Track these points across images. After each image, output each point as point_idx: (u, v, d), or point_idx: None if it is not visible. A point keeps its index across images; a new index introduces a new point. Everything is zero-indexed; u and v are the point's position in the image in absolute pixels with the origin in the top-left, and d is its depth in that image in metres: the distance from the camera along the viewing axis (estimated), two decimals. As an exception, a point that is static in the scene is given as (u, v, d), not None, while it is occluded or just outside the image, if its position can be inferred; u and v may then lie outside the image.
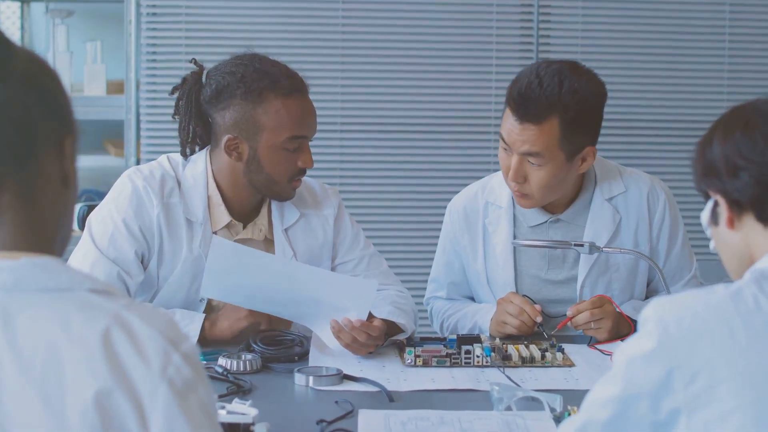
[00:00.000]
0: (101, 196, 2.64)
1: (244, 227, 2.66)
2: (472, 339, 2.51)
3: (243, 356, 2.40)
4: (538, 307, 2.63)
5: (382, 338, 2.49)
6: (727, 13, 4.42)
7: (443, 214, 2.92)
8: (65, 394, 1.16)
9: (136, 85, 4.28)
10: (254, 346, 2.46)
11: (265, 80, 2.54)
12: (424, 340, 2.54)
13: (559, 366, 2.46)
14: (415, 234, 4.35)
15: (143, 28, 4.25)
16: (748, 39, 4.44)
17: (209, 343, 2.49)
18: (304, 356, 2.47)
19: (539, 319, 2.62)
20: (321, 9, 4.31)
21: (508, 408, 2.12)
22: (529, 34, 4.36)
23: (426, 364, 2.44)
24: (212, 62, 2.65)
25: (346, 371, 2.35)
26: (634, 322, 2.35)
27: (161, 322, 1.23)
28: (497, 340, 2.56)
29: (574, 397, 2.06)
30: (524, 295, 2.71)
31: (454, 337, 2.51)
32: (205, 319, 2.53)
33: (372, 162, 4.36)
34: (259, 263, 2.45)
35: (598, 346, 2.61)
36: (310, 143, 2.65)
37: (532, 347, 2.51)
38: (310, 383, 2.30)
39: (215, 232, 2.61)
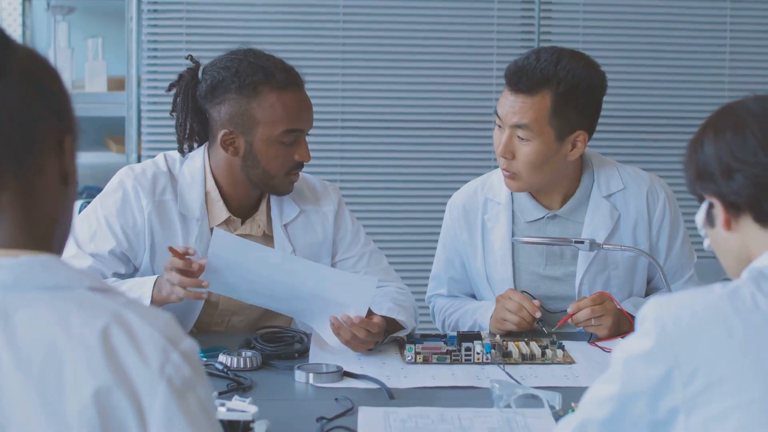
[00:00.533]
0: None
1: (243, 223, 2.66)
2: (473, 336, 2.51)
3: (243, 353, 2.40)
4: (536, 302, 2.63)
5: (382, 335, 2.49)
6: (728, 9, 4.42)
7: (444, 211, 2.92)
8: (64, 392, 1.16)
9: (137, 82, 4.28)
10: (254, 343, 2.47)
11: (259, 74, 2.54)
12: (425, 337, 2.53)
13: (559, 363, 2.46)
14: (416, 231, 4.35)
15: (144, 24, 4.25)
16: (750, 34, 4.44)
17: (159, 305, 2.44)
18: (304, 353, 2.48)
19: (538, 315, 2.62)
20: (321, 4, 4.31)
21: (508, 405, 2.12)
22: (531, 30, 4.35)
23: (426, 361, 2.44)
24: (212, 58, 2.65)
25: (346, 368, 2.35)
26: (635, 318, 2.35)
27: (160, 320, 1.23)
28: (498, 337, 2.57)
29: (574, 395, 2.05)
30: (523, 291, 2.71)
31: (455, 334, 2.51)
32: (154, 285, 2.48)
33: (372, 158, 4.36)
34: (259, 257, 2.45)
35: (599, 343, 2.60)
36: (311, 138, 2.65)
37: (533, 344, 2.51)
38: (311, 380, 2.30)
39: (213, 228, 2.62)
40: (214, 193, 2.64)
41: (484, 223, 2.82)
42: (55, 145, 1.28)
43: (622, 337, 2.57)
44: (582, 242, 2.64)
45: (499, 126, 2.68)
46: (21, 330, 1.18)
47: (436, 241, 2.94)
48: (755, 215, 1.57)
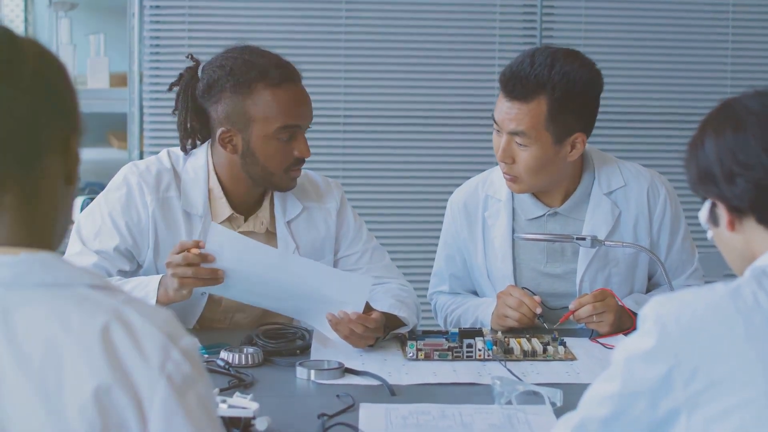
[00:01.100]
0: (103, 188, 2.67)
1: (246, 220, 2.67)
2: (474, 332, 2.51)
3: (245, 350, 2.40)
4: (537, 298, 2.63)
5: (381, 330, 2.48)
6: (730, 5, 4.41)
7: (445, 208, 2.91)
8: (64, 390, 1.16)
9: (139, 78, 4.28)
10: (256, 339, 2.47)
11: (253, 72, 2.54)
12: (426, 334, 2.54)
13: (560, 360, 2.46)
14: (418, 227, 4.35)
15: (146, 20, 4.25)
16: (752, 30, 4.43)
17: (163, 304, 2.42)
18: (305, 350, 2.48)
19: (539, 311, 2.62)
20: (324, 1, 4.31)
21: (509, 402, 2.12)
22: (533, 27, 4.35)
23: (428, 357, 2.44)
24: (213, 55, 2.65)
25: (347, 365, 2.35)
26: (636, 315, 2.35)
27: (160, 318, 1.23)
28: (499, 334, 2.57)
29: (575, 391, 2.05)
30: (524, 288, 2.71)
31: (456, 330, 2.51)
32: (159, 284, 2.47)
33: (374, 155, 4.36)
34: (255, 253, 2.45)
35: (600, 340, 2.60)
36: (312, 135, 2.65)
37: (534, 341, 2.51)
38: (312, 377, 2.31)
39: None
40: (217, 190, 2.64)
41: (485, 220, 2.82)
42: (61, 146, 1.28)
43: (624, 334, 2.58)
44: (583, 239, 2.64)
45: (497, 131, 2.68)
46: (21, 328, 1.18)
47: (438, 238, 2.94)
48: (759, 217, 1.56)
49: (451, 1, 4.33)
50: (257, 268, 2.45)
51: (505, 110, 2.63)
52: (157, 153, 2.72)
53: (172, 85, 2.66)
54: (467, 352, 2.45)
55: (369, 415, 2.07)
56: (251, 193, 2.67)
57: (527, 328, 2.63)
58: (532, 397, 2.13)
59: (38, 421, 1.16)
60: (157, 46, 4.27)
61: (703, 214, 1.64)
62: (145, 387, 1.18)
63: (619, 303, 2.64)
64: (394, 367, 2.39)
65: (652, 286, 2.84)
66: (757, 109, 1.57)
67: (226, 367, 2.33)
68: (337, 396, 2.18)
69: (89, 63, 4.55)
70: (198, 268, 2.38)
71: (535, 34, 4.34)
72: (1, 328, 1.18)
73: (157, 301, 2.42)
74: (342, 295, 2.44)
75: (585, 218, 2.75)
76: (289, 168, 2.60)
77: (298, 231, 2.69)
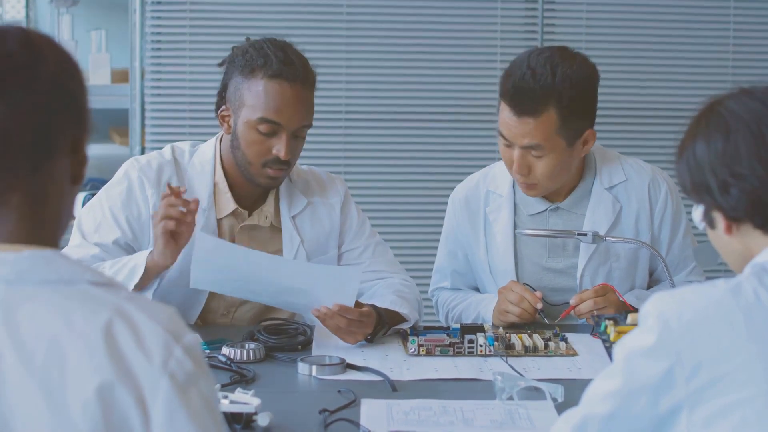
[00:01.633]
0: (105, 184, 2.68)
1: (250, 215, 2.67)
2: (476, 328, 2.51)
3: (246, 345, 2.40)
4: (538, 293, 2.63)
5: (370, 325, 2.47)
6: (731, 1, 4.41)
7: (447, 204, 2.91)
8: (67, 387, 1.16)
9: (140, 74, 4.28)
10: (258, 335, 2.47)
11: (260, 59, 2.56)
12: (428, 329, 2.54)
13: (562, 355, 2.46)
14: (420, 223, 4.35)
15: (148, 16, 4.24)
16: (753, 26, 4.42)
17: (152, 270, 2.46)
18: (307, 345, 2.48)
19: (540, 306, 2.62)
20: (325, -3, 4.31)
21: (511, 397, 2.12)
22: (534, 23, 4.35)
23: (429, 353, 2.44)
24: (216, 51, 2.66)
25: (349, 360, 2.35)
26: (637, 311, 2.35)
27: (163, 315, 1.23)
28: (501, 329, 2.57)
29: (577, 387, 2.05)
30: (524, 284, 2.71)
31: (458, 326, 2.51)
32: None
33: (376, 151, 4.36)
34: (243, 258, 2.46)
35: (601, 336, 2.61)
36: (314, 131, 2.65)
37: (536, 336, 2.52)
38: (314, 372, 2.31)
39: (220, 219, 2.64)
40: (223, 184, 2.65)
41: (486, 216, 2.82)
42: (71, 147, 1.29)
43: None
44: (585, 234, 2.64)
45: (506, 145, 2.66)
46: (24, 325, 1.19)
47: (439, 234, 2.94)
48: (755, 223, 1.56)
49: (453, -2, 4.34)
50: (247, 270, 2.47)
51: (515, 126, 2.60)
52: (158, 149, 2.73)
53: (222, 63, 2.66)
54: (468, 347, 2.45)
55: (370, 410, 2.08)
56: (256, 187, 2.67)
57: (528, 323, 2.63)
58: (533, 392, 2.13)
59: (41, 418, 1.16)
60: (159, 42, 4.26)
61: (697, 215, 1.64)
62: (147, 384, 1.18)
63: (620, 298, 2.64)
64: (396, 362, 2.39)
65: (653, 281, 2.85)
66: (744, 115, 1.56)
67: (228, 362, 2.33)
68: (339, 391, 2.19)
69: (91, 59, 4.55)
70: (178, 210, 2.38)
71: (537, 30, 4.34)
72: (4, 325, 1.19)
73: (145, 269, 2.41)
74: (332, 289, 2.43)
75: (586, 213, 2.76)
76: (267, 164, 2.58)
77: (303, 226, 2.70)
